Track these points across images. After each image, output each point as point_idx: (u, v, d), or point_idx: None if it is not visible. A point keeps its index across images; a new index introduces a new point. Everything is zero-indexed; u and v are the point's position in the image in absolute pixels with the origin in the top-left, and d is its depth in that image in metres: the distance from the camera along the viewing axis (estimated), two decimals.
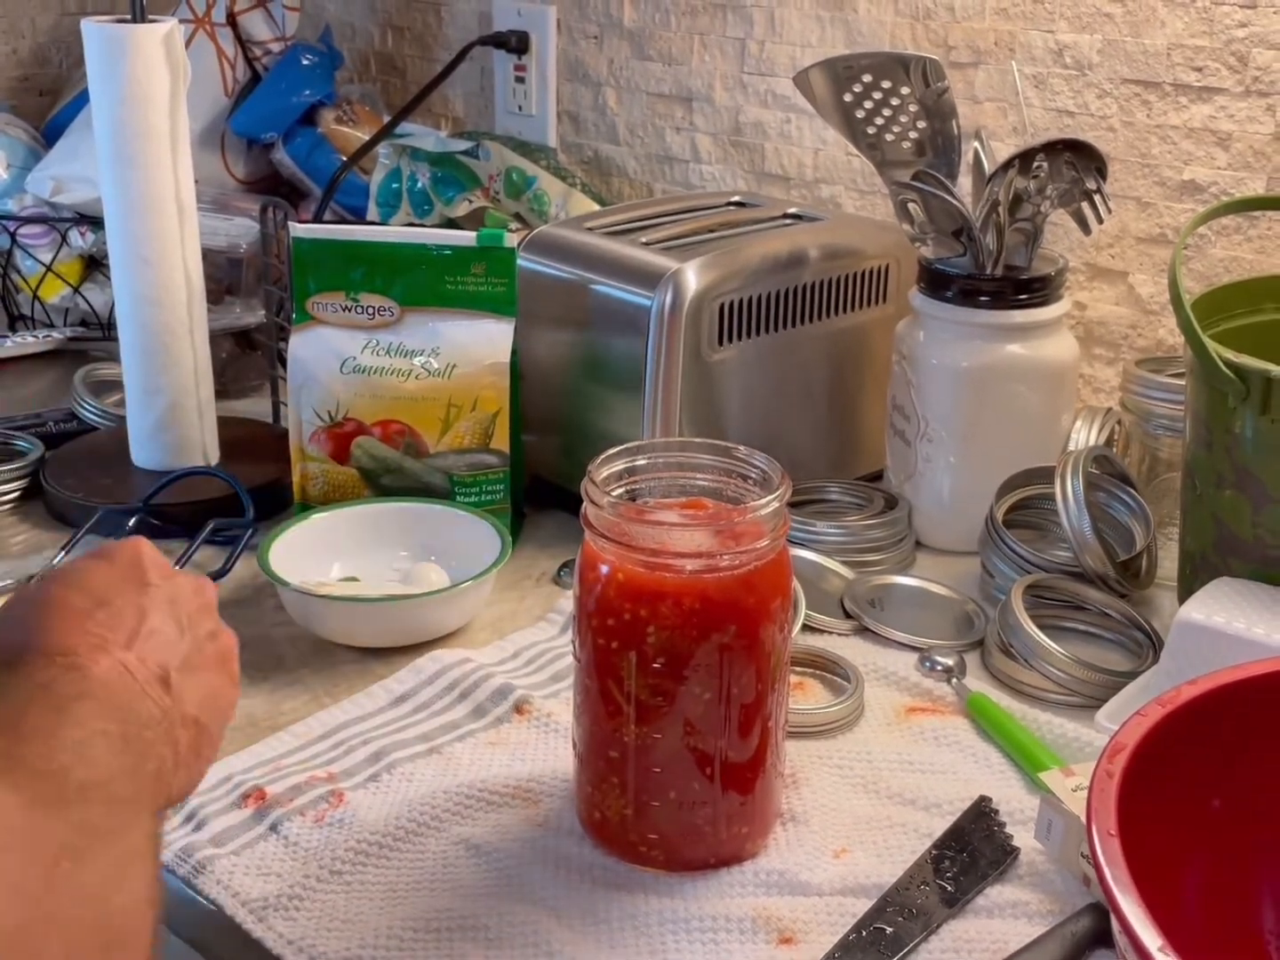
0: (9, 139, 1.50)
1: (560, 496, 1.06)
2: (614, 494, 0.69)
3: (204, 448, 1.11)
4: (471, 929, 0.66)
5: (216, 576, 0.95)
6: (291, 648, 0.91)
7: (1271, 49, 1.04)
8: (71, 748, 0.49)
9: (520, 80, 1.54)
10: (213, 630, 0.62)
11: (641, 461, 0.72)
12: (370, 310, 1.01)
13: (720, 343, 1.00)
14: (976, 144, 1.02)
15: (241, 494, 1.04)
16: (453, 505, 1.00)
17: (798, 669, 0.87)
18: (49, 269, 1.41)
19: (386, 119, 1.50)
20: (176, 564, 0.95)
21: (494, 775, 0.77)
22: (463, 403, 1.00)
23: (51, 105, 1.65)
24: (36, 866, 0.44)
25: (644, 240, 1.04)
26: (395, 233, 1.04)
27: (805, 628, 0.92)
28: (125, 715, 0.53)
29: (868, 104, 1.00)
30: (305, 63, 1.55)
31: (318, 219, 1.40)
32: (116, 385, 1.14)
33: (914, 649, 0.90)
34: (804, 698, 0.85)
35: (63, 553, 0.99)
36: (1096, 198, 0.97)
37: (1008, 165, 0.96)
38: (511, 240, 1.00)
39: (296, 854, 0.70)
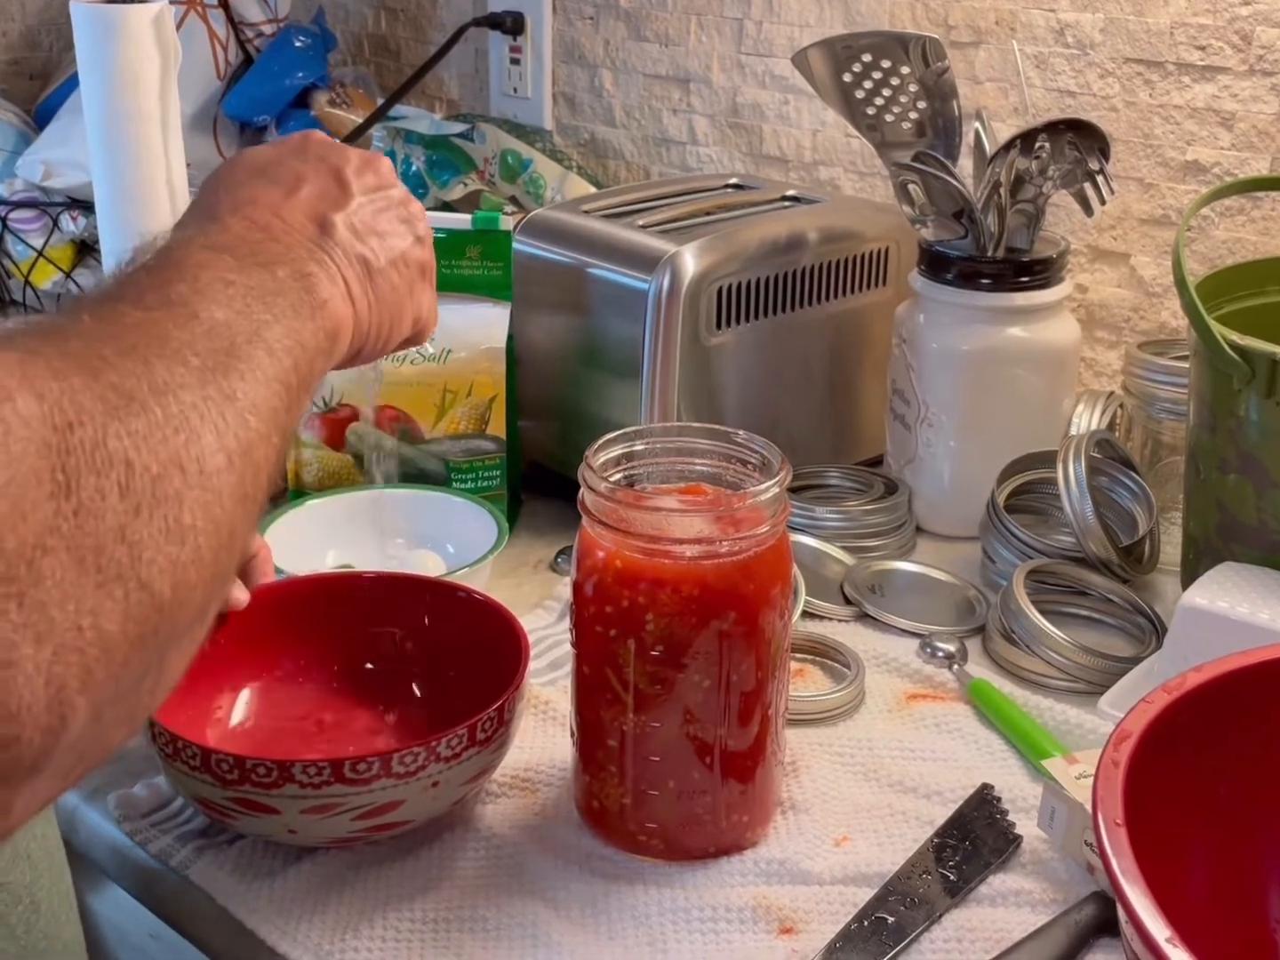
0: None
1: (557, 482, 1.05)
2: (611, 479, 0.68)
3: None
4: (469, 920, 0.65)
5: None
6: None
7: (1275, 27, 1.03)
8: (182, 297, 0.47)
9: (515, 62, 1.53)
10: (384, 188, 0.62)
11: (639, 447, 0.71)
12: None
13: (719, 326, 0.99)
14: (977, 124, 1.01)
15: None
16: (449, 492, 0.99)
17: (798, 656, 0.87)
18: (40, 254, 1.40)
19: (380, 102, 1.49)
20: None
21: None
22: (458, 388, 0.99)
23: (42, 89, 1.64)
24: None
25: (641, 223, 1.03)
26: None
27: (805, 614, 0.91)
28: (255, 252, 0.52)
29: (867, 84, 0.99)
30: (298, 45, 1.54)
31: None
32: None
33: (915, 635, 0.89)
34: (804, 685, 0.84)
35: None
36: (1099, 179, 0.96)
37: (1009, 146, 0.95)
38: (507, 223, 0.99)
39: (290, 844, 0.70)
